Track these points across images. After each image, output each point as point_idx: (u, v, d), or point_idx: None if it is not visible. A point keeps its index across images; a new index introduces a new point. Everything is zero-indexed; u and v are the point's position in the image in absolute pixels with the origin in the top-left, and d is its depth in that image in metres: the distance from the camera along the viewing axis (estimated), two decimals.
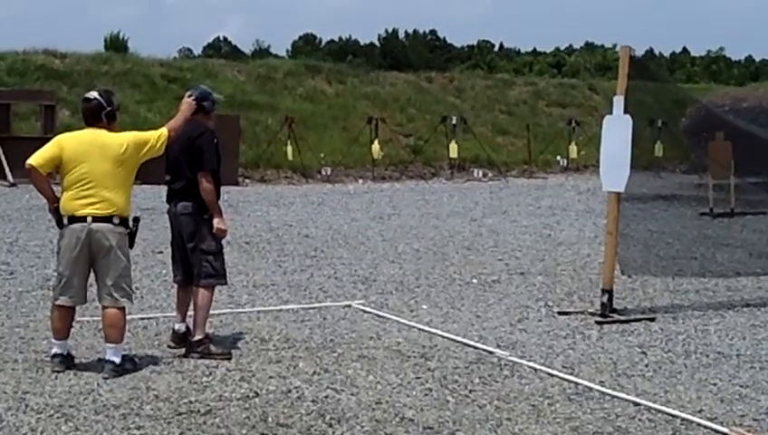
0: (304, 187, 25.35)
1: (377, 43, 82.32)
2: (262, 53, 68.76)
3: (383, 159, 28.39)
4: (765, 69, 58.79)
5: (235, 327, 8.49)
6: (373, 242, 14.44)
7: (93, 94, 7.14)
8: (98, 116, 6.99)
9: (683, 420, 6.03)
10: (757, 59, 72.93)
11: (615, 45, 65.72)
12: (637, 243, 11.55)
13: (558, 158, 32.48)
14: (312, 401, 6.30)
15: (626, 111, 9.36)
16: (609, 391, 6.63)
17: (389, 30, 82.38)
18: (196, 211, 7.45)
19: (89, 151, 6.87)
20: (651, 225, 14.69)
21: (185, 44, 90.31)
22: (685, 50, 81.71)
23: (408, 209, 19.63)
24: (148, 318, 8.70)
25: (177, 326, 7.72)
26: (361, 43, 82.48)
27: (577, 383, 6.84)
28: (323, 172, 27.05)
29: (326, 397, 6.39)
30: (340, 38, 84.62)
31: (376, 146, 27.68)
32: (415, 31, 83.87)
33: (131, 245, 7.06)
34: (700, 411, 6.23)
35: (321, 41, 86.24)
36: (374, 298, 10.05)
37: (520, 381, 6.90)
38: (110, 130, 7.01)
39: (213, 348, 7.40)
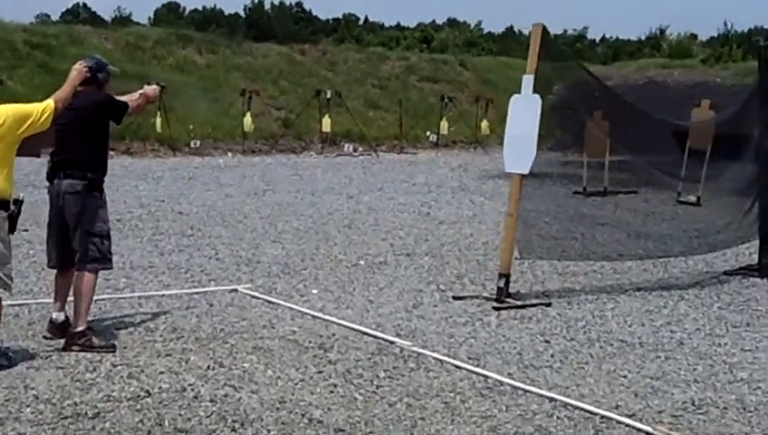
0: (172, 160, 24.49)
1: (242, 13, 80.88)
2: (123, 20, 66.59)
3: (254, 132, 27.74)
4: (625, 48, 60.00)
5: (116, 315, 7.90)
6: (251, 220, 13.95)
7: None
8: None
9: (602, 417, 5.77)
10: (623, 38, 74.49)
11: (480, 22, 66.11)
12: (519, 222, 11.37)
13: (428, 133, 32.35)
14: (211, 400, 5.81)
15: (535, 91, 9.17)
16: (521, 386, 6.34)
17: (255, 0, 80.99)
18: (85, 189, 6.85)
19: None
20: (527, 203, 14.57)
21: (43, 10, 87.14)
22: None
23: (282, 185, 19.16)
24: (20, 305, 7.97)
25: (55, 315, 7.10)
26: (226, 13, 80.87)
27: (486, 377, 6.53)
28: (192, 145, 26.21)
29: (225, 395, 5.91)
30: (204, 7, 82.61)
31: (248, 119, 26.95)
32: (281, 2, 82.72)
33: (12, 229, 6.39)
34: (617, 407, 5.98)
35: (184, 9, 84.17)
36: (260, 282, 9.58)
37: (427, 375, 6.56)
38: None
39: (95, 340, 6.81)
